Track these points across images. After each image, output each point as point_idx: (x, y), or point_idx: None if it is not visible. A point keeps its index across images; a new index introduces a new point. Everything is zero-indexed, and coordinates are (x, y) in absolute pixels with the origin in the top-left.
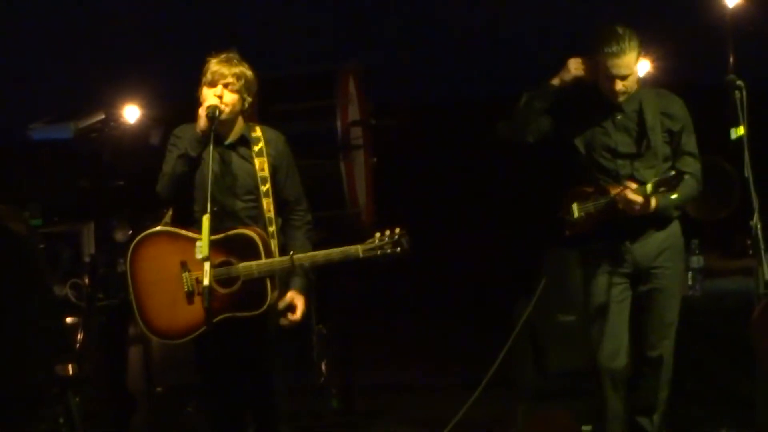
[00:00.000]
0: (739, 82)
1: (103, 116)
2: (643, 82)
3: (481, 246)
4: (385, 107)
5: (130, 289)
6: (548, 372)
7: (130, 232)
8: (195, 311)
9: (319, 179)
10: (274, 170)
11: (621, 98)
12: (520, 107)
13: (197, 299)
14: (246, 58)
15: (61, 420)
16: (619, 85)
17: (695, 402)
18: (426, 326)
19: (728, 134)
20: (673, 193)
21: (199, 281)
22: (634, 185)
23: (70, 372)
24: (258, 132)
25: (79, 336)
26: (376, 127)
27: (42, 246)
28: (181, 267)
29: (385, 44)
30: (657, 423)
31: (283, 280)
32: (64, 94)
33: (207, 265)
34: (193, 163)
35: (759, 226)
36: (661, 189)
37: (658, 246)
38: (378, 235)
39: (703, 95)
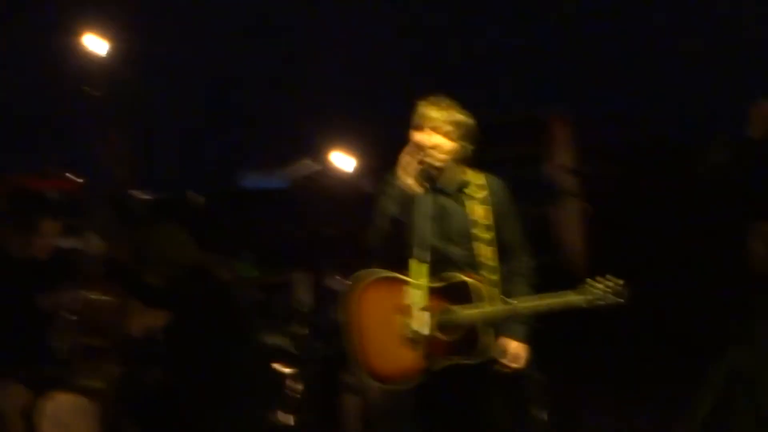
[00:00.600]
0: None
1: (319, 167)
2: None
3: (695, 291)
4: (598, 153)
5: (349, 336)
6: None
7: (345, 279)
8: (414, 357)
9: (530, 226)
10: (497, 218)
11: None
12: None
13: (418, 346)
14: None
15: None
16: None
17: None
18: (646, 371)
19: None
20: None
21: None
22: None
23: (290, 422)
24: (482, 179)
25: (299, 386)
26: (589, 174)
27: (258, 297)
28: (401, 312)
29: (597, 89)
30: None
31: (502, 326)
32: (275, 143)
33: (426, 315)
34: (402, 224)
35: None
36: None
37: None
38: (592, 282)
39: None
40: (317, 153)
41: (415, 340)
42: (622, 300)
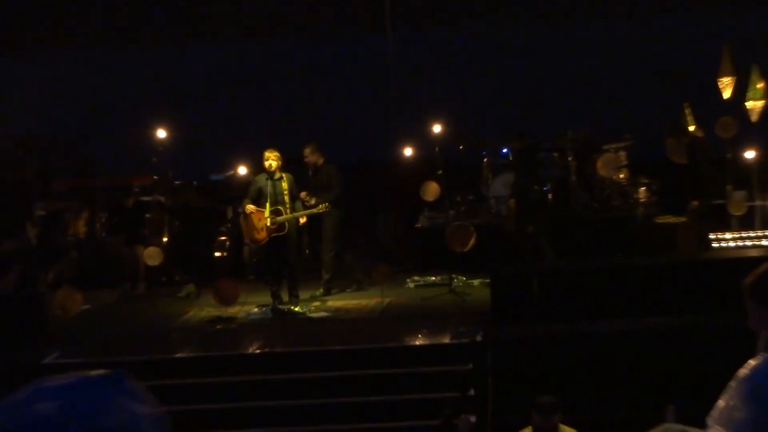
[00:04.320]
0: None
1: (233, 172)
2: None
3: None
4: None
5: (245, 228)
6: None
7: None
8: (264, 233)
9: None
10: (291, 188)
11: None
12: None
13: (268, 228)
14: None
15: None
16: None
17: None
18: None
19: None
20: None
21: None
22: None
23: (226, 243)
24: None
25: (227, 240)
26: None
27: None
28: (261, 219)
29: None
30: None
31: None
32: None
33: (268, 219)
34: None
35: (449, 201)
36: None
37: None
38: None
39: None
40: (233, 164)
41: (269, 225)
42: (325, 208)
